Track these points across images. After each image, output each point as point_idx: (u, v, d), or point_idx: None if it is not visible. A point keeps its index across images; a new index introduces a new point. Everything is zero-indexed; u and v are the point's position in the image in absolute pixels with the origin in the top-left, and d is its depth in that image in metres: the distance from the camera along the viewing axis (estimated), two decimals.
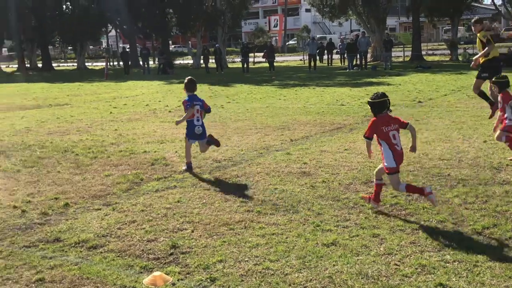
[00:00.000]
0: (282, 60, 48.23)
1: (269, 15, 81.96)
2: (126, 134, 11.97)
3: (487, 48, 11.08)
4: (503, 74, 9.11)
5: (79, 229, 5.85)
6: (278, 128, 12.09)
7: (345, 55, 35.57)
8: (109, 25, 57.10)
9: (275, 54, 38.97)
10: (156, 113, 15.59)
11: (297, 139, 10.59)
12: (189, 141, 8.68)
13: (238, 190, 7.19)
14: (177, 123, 8.91)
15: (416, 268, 4.57)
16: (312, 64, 34.34)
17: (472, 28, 13.25)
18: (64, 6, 52.12)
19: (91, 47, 75.18)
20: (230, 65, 43.41)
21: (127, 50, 48.00)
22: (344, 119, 12.82)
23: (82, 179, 8.09)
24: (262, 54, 41.78)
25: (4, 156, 9.95)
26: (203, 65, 38.76)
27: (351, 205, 6.36)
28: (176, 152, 9.82)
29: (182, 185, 7.53)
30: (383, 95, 6.10)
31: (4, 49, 71.15)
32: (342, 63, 37.37)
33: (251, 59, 39.83)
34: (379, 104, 6.06)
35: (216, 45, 38.83)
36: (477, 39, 11.51)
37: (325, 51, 39.55)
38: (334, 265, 4.70)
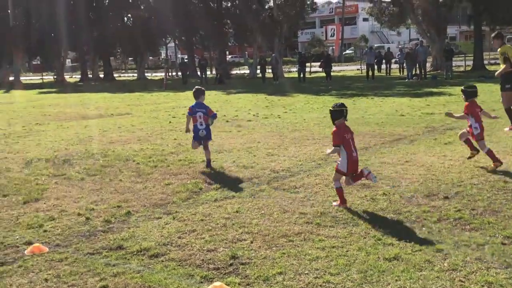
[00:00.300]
0: (339, 69, 47.89)
1: (326, 25, 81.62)
2: (185, 143, 12.11)
3: (505, 65, 11.48)
4: (472, 84, 10.03)
5: (141, 237, 5.95)
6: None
7: (404, 65, 34.99)
8: (168, 36, 58.30)
9: (332, 64, 38.72)
10: (213, 123, 15.74)
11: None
12: (193, 142, 9.81)
13: (296, 201, 7.15)
14: (186, 130, 10.12)
15: (482, 286, 4.41)
16: (370, 73, 33.98)
17: (492, 42, 13.33)
18: (125, 18, 53.50)
19: (150, 58, 76.88)
20: (286, 75, 43.42)
21: (186, 60, 48.87)
22: (404, 130, 12.57)
23: (143, 187, 8.25)
24: (318, 63, 41.66)
25: (69, 164, 10.27)
26: (260, 75, 39.00)
27: (413, 218, 6.21)
28: (234, 162, 9.87)
29: (240, 195, 7.56)
30: (342, 105, 7.10)
31: (68, 60, 73.80)
32: (401, 73, 36.77)
33: (307, 69, 39.76)
34: (339, 113, 6.98)
35: (273, 55, 38.95)
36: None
37: (383, 61, 39.03)
38: (396, 280, 4.59)
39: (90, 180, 8.90)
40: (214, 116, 10.01)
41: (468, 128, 8.58)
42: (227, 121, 15.80)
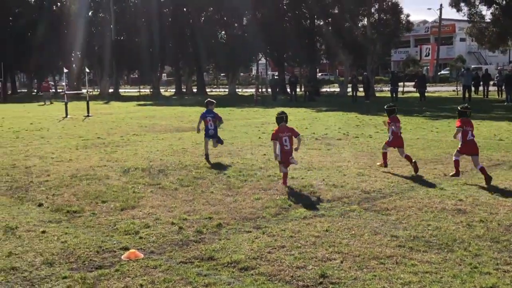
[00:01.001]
0: (434, 90, 46.51)
1: (421, 44, 79.67)
2: (274, 159, 12.22)
3: None
4: (391, 103, 12.14)
5: (231, 250, 6.04)
6: (430, 161, 11.64)
7: (503, 87, 33.49)
8: (259, 53, 59.14)
9: (427, 84, 37.72)
10: (303, 139, 15.73)
11: (451, 175, 10.10)
12: (205, 138, 12.93)
13: (388, 223, 7.00)
14: (197, 130, 13.40)
15: None
16: (467, 95, 32.83)
17: None
18: (219, 36, 54.90)
19: (241, 74, 78.26)
20: (378, 94, 42.76)
21: (276, 77, 49.31)
22: (503, 155, 12.02)
23: (234, 200, 8.38)
24: (413, 83, 40.76)
25: (163, 174, 10.63)
26: (350, 93, 38.70)
27: (511, 248, 5.91)
28: (323, 180, 9.81)
29: (329, 214, 7.50)
30: (283, 112, 9.93)
31: (163, 75, 76.64)
32: (499, 96, 35.18)
33: (400, 89, 38.99)
34: (280, 118, 9.73)
35: (364, 74, 38.54)
36: None
37: (481, 82, 37.55)
38: None
39: (183, 190, 9.16)
40: (221, 120, 13.36)
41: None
42: (316, 139, 15.78)
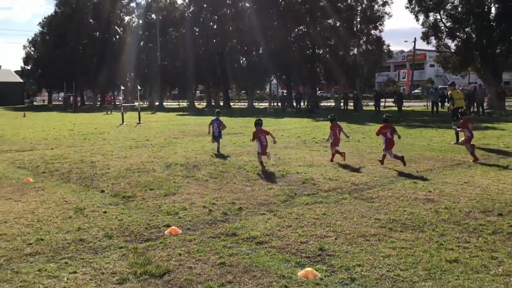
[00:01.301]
0: (408, 105, 45.91)
1: (399, 69, 79.19)
2: (283, 158, 12.19)
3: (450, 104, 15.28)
4: (332, 114, 13.23)
5: (250, 228, 6.04)
6: (407, 160, 11.49)
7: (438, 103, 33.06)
8: (272, 75, 59.08)
9: (403, 100, 37.36)
10: (305, 143, 15.71)
11: (422, 171, 10.00)
12: (212, 139, 14.04)
13: (372, 209, 6.94)
14: (208, 132, 14.66)
15: None
16: (435, 109, 32.45)
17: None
18: (241, 61, 54.94)
19: (257, 91, 78.22)
20: (365, 108, 42.42)
21: (285, 94, 49.22)
22: (463, 157, 11.84)
23: (251, 190, 8.37)
24: (392, 99, 40.38)
25: (197, 168, 10.65)
26: (343, 107, 38.49)
27: (470, 229, 5.83)
28: (321, 174, 9.76)
29: (326, 201, 7.46)
30: (259, 119, 11.39)
31: (197, 91, 76.88)
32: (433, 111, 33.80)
33: (382, 103, 38.65)
34: (256, 124, 11.16)
35: (354, 92, 38.28)
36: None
37: (446, 99, 37.05)
38: (456, 279, 4.33)
39: (212, 181, 9.18)
40: (224, 126, 14.45)
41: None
42: (316, 143, 15.69)
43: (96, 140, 17.41)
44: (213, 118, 14.37)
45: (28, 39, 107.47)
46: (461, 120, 11.85)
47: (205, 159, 12.05)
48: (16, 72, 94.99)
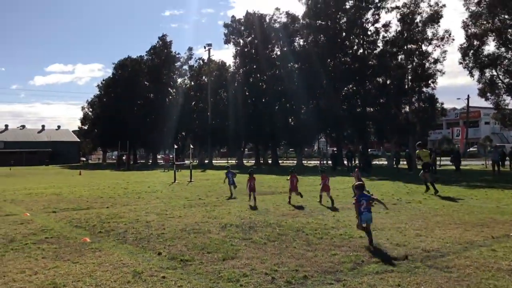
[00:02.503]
0: (465, 164, 44.16)
1: (452, 127, 77.08)
2: (343, 220, 11.64)
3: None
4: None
5: None
6: (477, 224, 10.67)
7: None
8: (321, 134, 58.93)
9: (461, 159, 35.87)
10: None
11: (498, 237, 9.17)
12: (229, 185, 18.30)
13: (451, 280, 6.28)
14: (224, 181, 18.69)
15: None
16: (496, 168, 30.81)
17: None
18: (290, 119, 55.34)
19: (306, 149, 78.02)
20: (419, 166, 40.99)
21: (335, 152, 48.62)
22: None
23: (314, 255, 7.89)
24: (449, 158, 38.94)
25: (253, 230, 10.29)
26: (395, 166, 37.39)
27: None
28: (387, 239, 9.14)
29: (398, 270, 6.86)
30: (251, 170, 16.73)
31: (246, 149, 77.63)
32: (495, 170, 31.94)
33: (438, 162, 37.25)
34: (249, 173, 16.09)
35: (406, 150, 37.25)
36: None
37: (507, 158, 35.27)
38: None
39: (271, 245, 8.77)
40: (235, 176, 18.68)
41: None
42: (373, 205, 14.99)
43: (150, 199, 17.51)
44: (227, 172, 18.60)
45: (86, 100, 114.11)
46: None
47: (260, 220, 11.69)
48: (74, 131, 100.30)
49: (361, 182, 9.66)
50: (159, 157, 79.42)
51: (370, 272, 6.78)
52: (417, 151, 19.21)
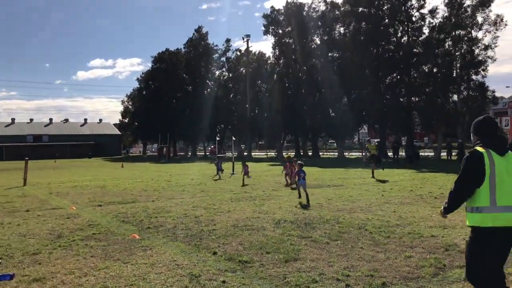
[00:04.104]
0: None
1: (500, 116, 73.49)
2: (406, 216, 10.68)
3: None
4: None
5: None
6: None
7: None
8: (363, 124, 57.32)
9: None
10: (423, 198, 13.99)
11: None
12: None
13: None
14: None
15: None
16: None
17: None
18: (330, 110, 54.06)
19: (346, 140, 76.38)
20: None
21: (376, 143, 47.08)
22: None
23: (386, 257, 7.03)
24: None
25: (311, 227, 9.51)
26: (446, 157, 35.67)
27: None
28: (464, 239, 8.14)
29: None
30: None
31: (285, 142, 76.78)
32: None
33: None
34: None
35: (459, 140, 35.45)
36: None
37: None
38: None
39: (334, 244, 7.95)
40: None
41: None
42: (435, 198, 13.92)
43: (194, 192, 17.02)
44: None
45: (126, 94, 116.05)
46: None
47: (315, 216, 10.90)
48: (115, 125, 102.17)
49: (301, 163, 14.95)
50: (209, 149, 79.47)
51: (456, 280, 5.88)
52: (366, 144, 23.16)
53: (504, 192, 4.10)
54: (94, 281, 6.00)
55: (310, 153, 57.64)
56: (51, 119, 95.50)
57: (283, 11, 57.31)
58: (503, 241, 4.19)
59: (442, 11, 42.80)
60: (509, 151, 4.29)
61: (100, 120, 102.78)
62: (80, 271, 6.46)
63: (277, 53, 58.87)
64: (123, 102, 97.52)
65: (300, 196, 14.20)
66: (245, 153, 62.36)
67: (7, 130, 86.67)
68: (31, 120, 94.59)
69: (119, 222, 10.59)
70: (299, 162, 15.18)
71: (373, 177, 21.98)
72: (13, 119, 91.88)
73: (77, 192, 17.95)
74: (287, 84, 57.37)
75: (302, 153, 58.34)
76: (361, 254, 7.24)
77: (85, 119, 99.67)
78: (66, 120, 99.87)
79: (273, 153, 63.08)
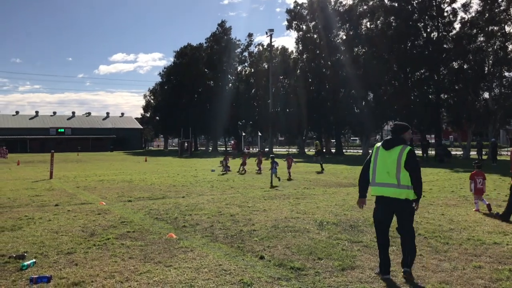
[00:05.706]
0: None
1: None
2: (457, 220, 9.95)
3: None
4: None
5: None
6: None
7: None
8: (386, 121, 56.11)
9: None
10: (468, 200, 13.19)
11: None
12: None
13: None
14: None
15: None
16: None
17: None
18: (355, 107, 53.04)
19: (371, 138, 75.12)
20: (498, 158, 37.72)
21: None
22: None
23: (452, 267, 6.37)
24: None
25: (358, 230, 8.85)
26: (478, 156, 34.45)
27: None
28: None
29: None
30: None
31: (306, 138, 75.86)
32: None
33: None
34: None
35: (492, 140, 34.18)
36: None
37: None
38: None
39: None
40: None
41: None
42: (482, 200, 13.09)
43: (224, 188, 16.51)
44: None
45: (148, 89, 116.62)
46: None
47: (358, 217, 10.25)
48: (137, 119, 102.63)
49: (273, 155, 19.11)
50: (229, 144, 79.15)
51: None
52: (316, 141, 28.50)
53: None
54: (137, 287, 5.49)
55: (333, 150, 56.66)
56: (73, 113, 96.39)
57: (306, 5, 56.38)
58: None
59: (475, 6, 41.42)
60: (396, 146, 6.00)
61: (122, 114, 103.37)
62: (121, 275, 5.96)
63: (300, 48, 58.00)
64: (145, 96, 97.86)
65: (272, 185, 17.14)
66: (266, 149, 61.69)
67: (31, 122, 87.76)
68: (54, 113, 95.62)
69: (153, 220, 10.12)
70: (272, 155, 19.35)
71: (322, 169, 25.32)
72: (37, 112, 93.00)
73: (104, 186, 17.62)
74: (310, 80, 56.47)
75: (324, 150, 57.41)
76: (423, 263, 6.60)
77: (107, 113, 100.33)
78: (89, 114, 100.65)
79: (295, 149, 62.27)
